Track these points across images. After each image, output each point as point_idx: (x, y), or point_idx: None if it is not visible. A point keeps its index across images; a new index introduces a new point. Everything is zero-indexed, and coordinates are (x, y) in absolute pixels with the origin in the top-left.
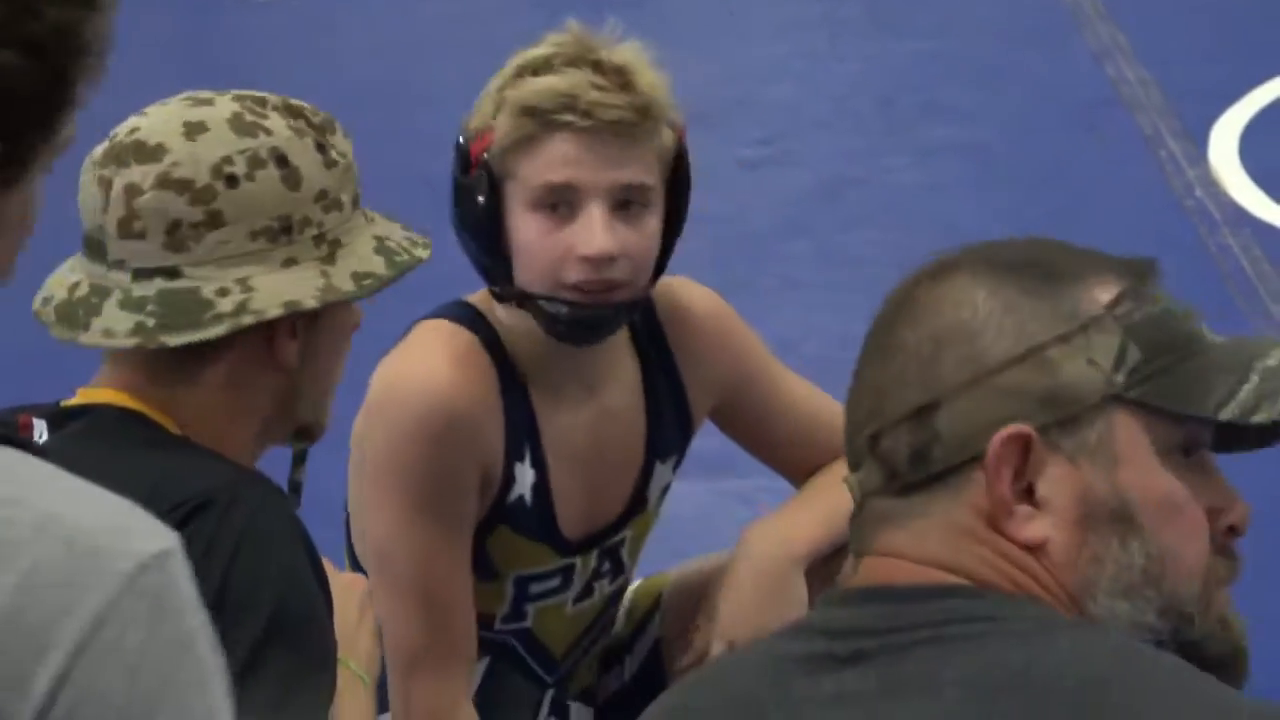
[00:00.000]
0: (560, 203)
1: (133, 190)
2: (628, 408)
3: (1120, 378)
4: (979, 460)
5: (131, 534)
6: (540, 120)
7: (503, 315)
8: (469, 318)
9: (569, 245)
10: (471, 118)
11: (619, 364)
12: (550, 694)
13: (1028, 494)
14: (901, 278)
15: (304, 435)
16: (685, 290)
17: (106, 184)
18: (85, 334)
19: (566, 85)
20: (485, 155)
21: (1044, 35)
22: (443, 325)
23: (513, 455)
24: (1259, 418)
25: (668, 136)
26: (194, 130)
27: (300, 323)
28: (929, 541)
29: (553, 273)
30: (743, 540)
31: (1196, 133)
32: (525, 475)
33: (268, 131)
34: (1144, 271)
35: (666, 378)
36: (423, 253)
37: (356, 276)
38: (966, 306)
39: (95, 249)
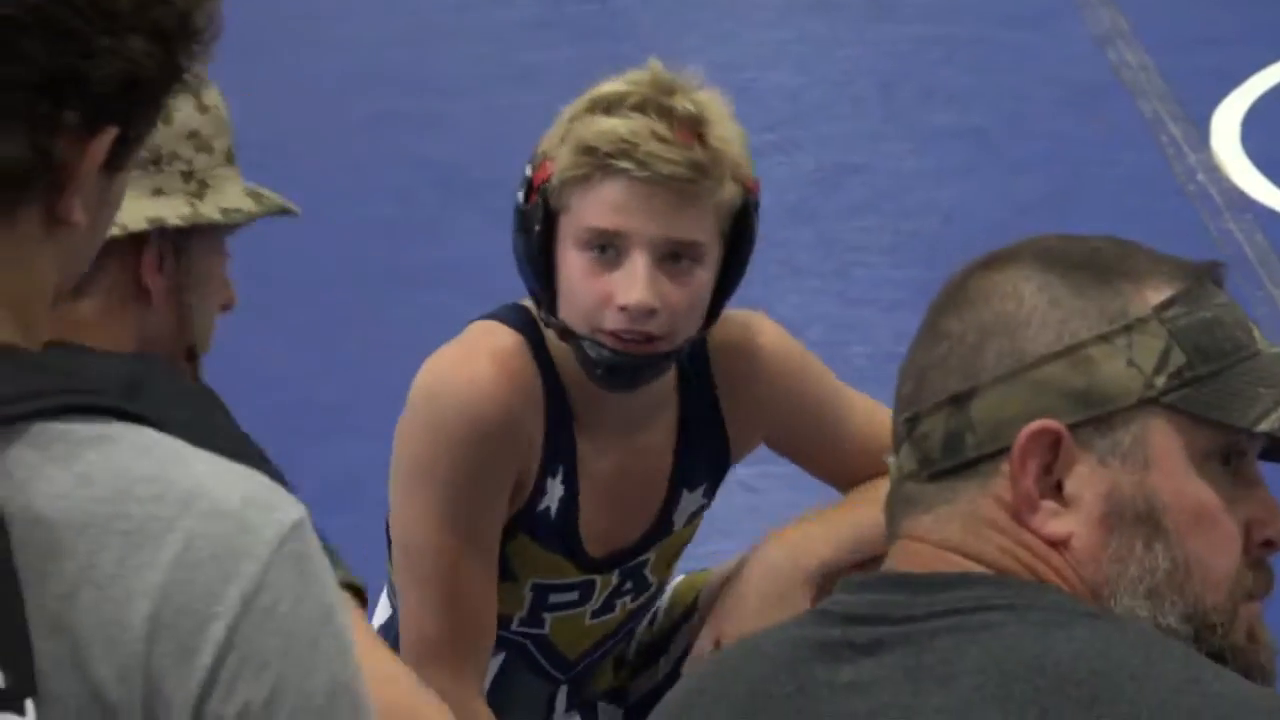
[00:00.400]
0: (607, 246)
1: None
2: (659, 442)
3: (1160, 381)
4: (1007, 452)
5: (272, 505)
6: (597, 161)
7: (553, 339)
8: (523, 323)
9: (610, 292)
10: (543, 140)
11: (662, 402)
12: (564, 690)
13: (1056, 490)
14: (961, 265)
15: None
16: (744, 327)
17: None
18: None
19: (628, 130)
20: (544, 185)
21: (1045, 19)
22: (495, 328)
23: (547, 467)
24: None
25: (732, 192)
26: None
27: (166, 258)
28: (950, 527)
29: (592, 315)
30: (758, 545)
31: (1198, 117)
32: (555, 490)
33: None
34: (1204, 275)
35: (706, 410)
36: (293, 207)
37: (225, 210)
38: (1013, 299)
39: None
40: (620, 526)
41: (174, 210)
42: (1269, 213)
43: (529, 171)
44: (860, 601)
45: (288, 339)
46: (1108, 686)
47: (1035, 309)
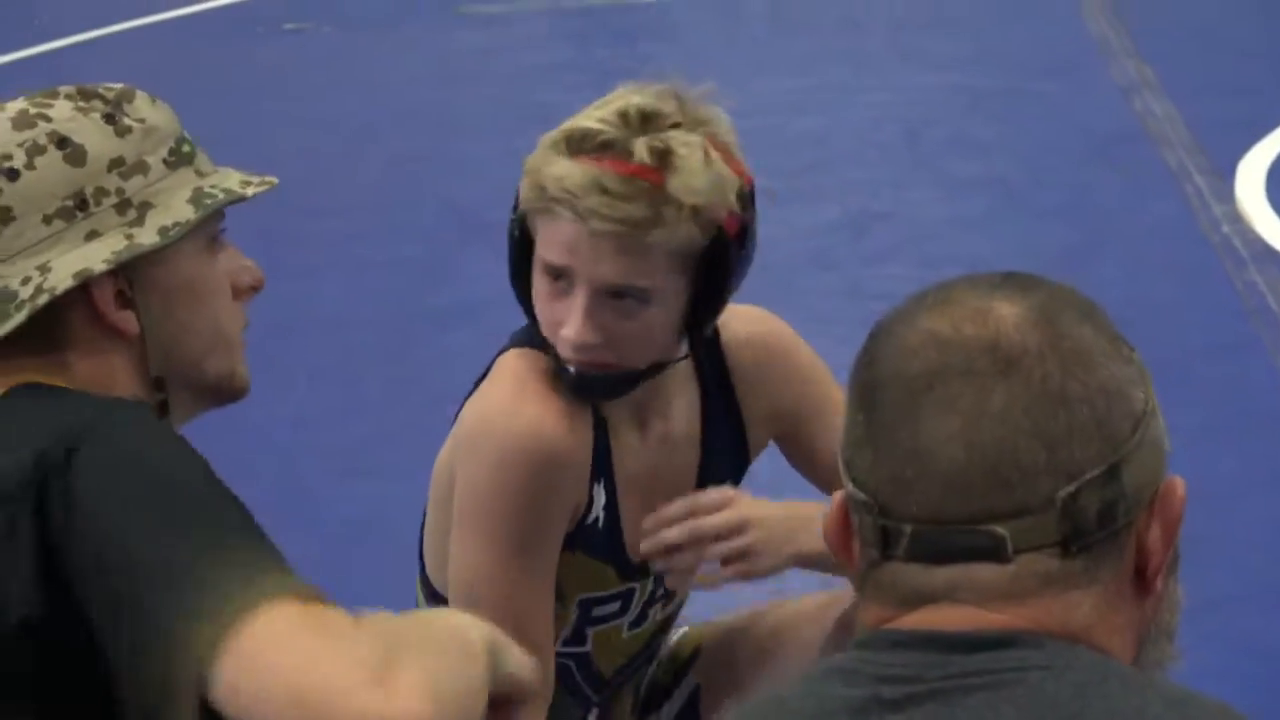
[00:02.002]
0: (560, 276)
1: None
2: (685, 436)
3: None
4: (1141, 516)
5: None
6: (545, 202)
7: None
8: (540, 340)
9: (561, 318)
10: (530, 157)
11: (680, 392)
12: (595, 713)
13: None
14: (1003, 320)
15: (214, 394)
16: (753, 322)
17: None
18: None
19: (574, 182)
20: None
21: (1071, 69)
22: (529, 355)
23: (594, 478)
24: None
25: (689, 235)
26: None
27: (129, 289)
28: (1083, 608)
29: (551, 335)
30: None
31: (1224, 168)
32: (600, 497)
33: (48, 119)
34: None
35: (725, 408)
36: (250, 190)
37: (163, 230)
38: (1103, 355)
39: None
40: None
41: (102, 253)
42: None
43: (518, 187)
44: (894, 661)
45: (310, 378)
46: None
47: (1121, 368)
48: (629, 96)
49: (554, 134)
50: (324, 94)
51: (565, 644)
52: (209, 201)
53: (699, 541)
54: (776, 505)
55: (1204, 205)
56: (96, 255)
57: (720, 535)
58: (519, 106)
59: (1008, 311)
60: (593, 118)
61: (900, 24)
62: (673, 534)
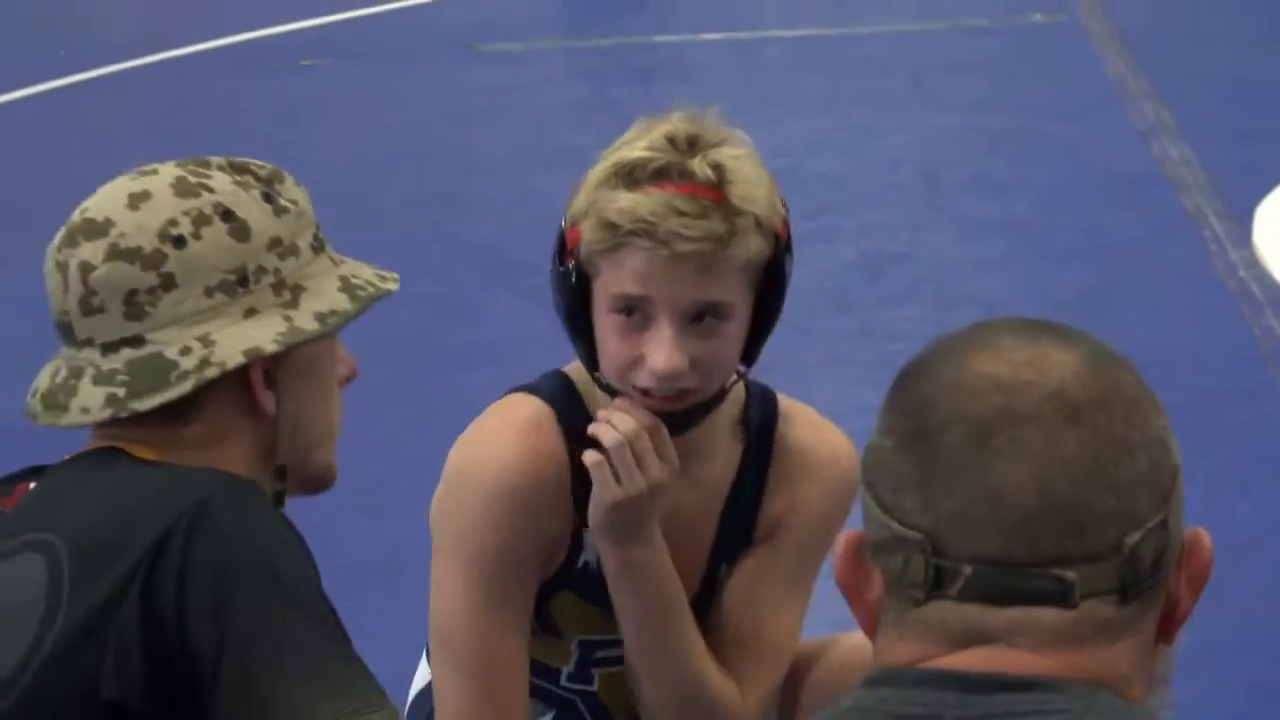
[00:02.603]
0: (635, 309)
1: (86, 268)
2: (717, 483)
3: None
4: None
5: None
6: (619, 237)
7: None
8: (553, 387)
9: (640, 353)
10: (573, 199)
11: (717, 442)
12: None
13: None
14: (1078, 367)
15: (309, 484)
16: (816, 428)
17: (63, 267)
18: (66, 415)
19: (648, 210)
20: (575, 250)
21: (1089, 112)
22: (519, 398)
23: (583, 522)
24: None
25: (758, 247)
26: (138, 200)
27: (275, 370)
28: (1125, 660)
29: (625, 374)
30: None
31: (1241, 213)
32: (593, 544)
33: (210, 189)
34: None
35: (753, 490)
36: (390, 285)
37: (320, 316)
38: (1154, 409)
39: (66, 332)
40: None
41: (268, 333)
42: None
43: (563, 232)
44: (914, 699)
45: None
46: None
47: (1163, 419)
48: (661, 126)
49: (599, 172)
50: (340, 131)
51: (570, 680)
52: (361, 293)
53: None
54: (654, 522)
55: (1221, 250)
56: (262, 334)
57: (639, 460)
58: (536, 145)
59: (1065, 359)
60: (637, 148)
61: (919, 66)
62: (626, 423)
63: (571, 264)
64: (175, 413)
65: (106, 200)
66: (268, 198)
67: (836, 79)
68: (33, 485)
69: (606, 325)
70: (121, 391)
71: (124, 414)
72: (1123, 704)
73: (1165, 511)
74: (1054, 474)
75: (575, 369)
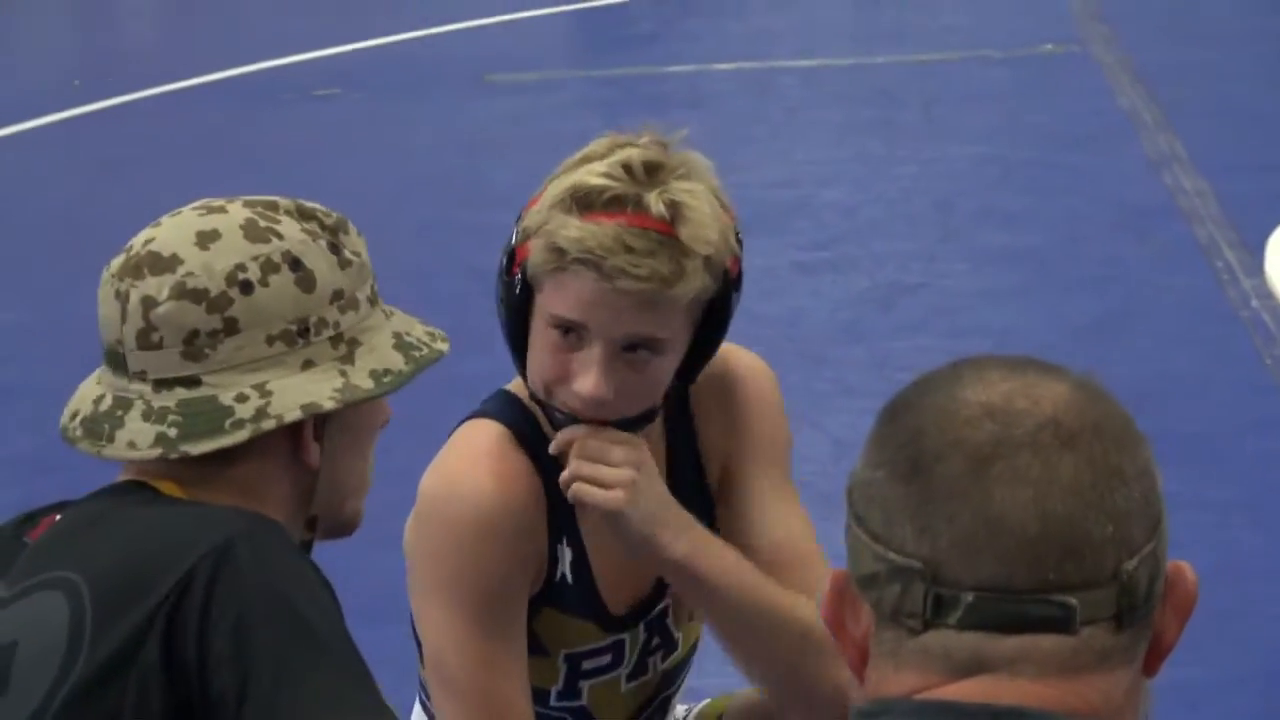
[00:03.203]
0: (570, 330)
1: (149, 302)
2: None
3: None
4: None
5: None
6: (564, 261)
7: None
8: (503, 408)
9: (569, 372)
10: (526, 213)
11: (649, 437)
12: None
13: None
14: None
15: (336, 531)
16: (725, 356)
17: (124, 297)
18: (110, 446)
19: (596, 242)
20: (523, 263)
21: (1102, 143)
22: (478, 425)
23: (554, 537)
24: None
25: (703, 285)
26: (207, 239)
27: (323, 422)
28: (1118, 692)
29: (552, 388)
30: None
31: (1253, 243)
32: (565, 554)
33: (280, 236)
34: None
35: (687, 443)
36: (442, 346)
37: (375, 374)
38: (1141, 439)
39: (116, 361)
40: (631, 575)
41: (325, 390)
42: None
43: (513, 241)
44: None
45: None
46: None
47: (1148, 449)
48: (622, 149)
49: (555, 192)
50: (352, 160)
51: (559, 698)
52: (416, 354)
53: (583, 454)
54: (667, 493)
55: (1234, 279)
56: (320, 390)
57: (603, 460)
58: (548, 175)
59: (1054, 390)
60: (595, 173)
61: (932, 96)
62: (568, 436)
63: (518, 276)
64: (220, 456)
65: (174, 234)
66: (334, 248)
67: (849, 109)
68: (58, 518)
69: (541, 339)
70: (173, 432)
71: (173, 455)
72: None
73: (1156, 541)
74: (1053, 500)
75: (518, 385)
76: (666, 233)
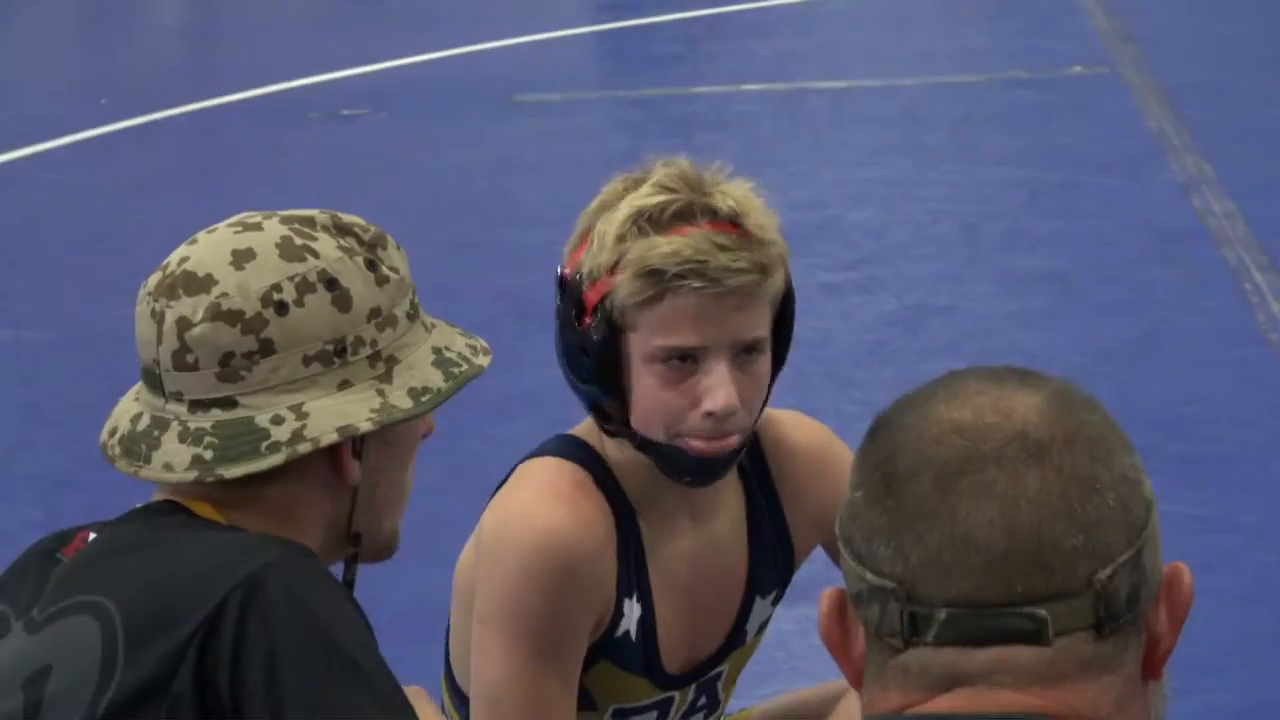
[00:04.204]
0: (685, 357)
1: (184, 323)
2: (731, 539)
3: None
4: (1153, 602)
5: None
6: (664, 283)
7: (612, 448)
8: (580, 454)
9: (692, 398)
10: (583, 255)
11: (725, 494)
12: None
13: None
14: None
15: (373, 553)
16: (791, 425)
17: (159, 317)
18: (146, 468)
19: (692, 250)
20: (601, 305)
21: (1130, 165)
22: (552, 464)
23: (623, 591)
24: None
25: (781, 279)
26: (242, 258)
27: (363, 441)
28: (1107, 698)
29: (674, 424)
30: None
31: None
32: (633, 610)
33: (315, 254)
34: None
35: (770, 512)
36: (483, 360)
37: (414, 393)
38: (1122, 446)
39: (153, 381)
40: (697, 636)
41: (362, 411)
42: None
43: (576, 286)
44: None
45: None
46: None
47: (1132, 456)
48: (656, 173)
49: (615, 227)
50: (380, 181)
51: None
52: (455, 371)
53: None
54: None
55: (1263, 302)
56: (357, 411)
57: None
58: (575, 195)
59: (1027, 402)
60: (648, 194)
61: (959, 118)
62: None
63: (595, 321)
64: (257, 477)
65: (209, 253)
66: (371, 265)
67: (876, 131)
68: (92, 537)
69: (646, 379)
70: (209, 455)
71: (209, 479)
72: None
73: (1139, 547)
74: (1020, 514)
75: (586, 431)
76: (740, 230)
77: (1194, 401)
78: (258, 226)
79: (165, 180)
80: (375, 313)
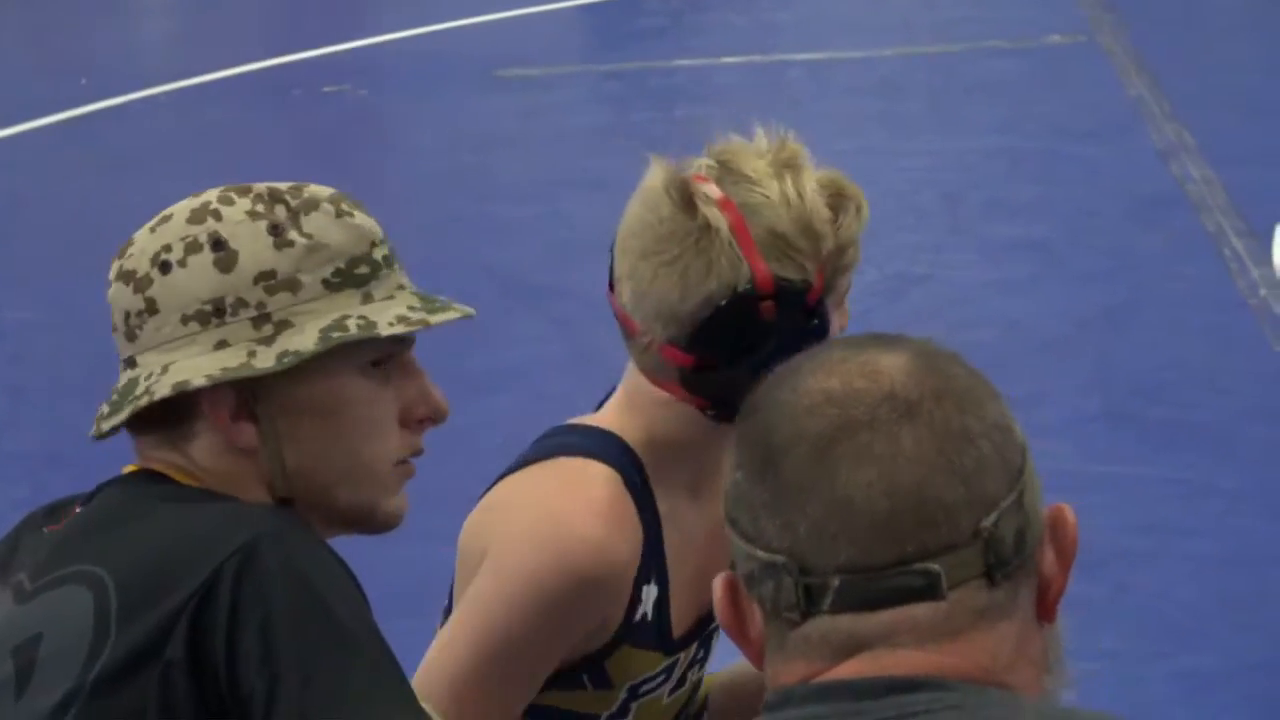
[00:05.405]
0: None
1: (107, 285)
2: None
3: None
4: (1038, 543)
5: None
6: (849, 258)
7: (650, 426)
8: (614, 454)
9: None
10: (771, 268)
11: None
12: None
13: None
14: (893, 363)
15: (357, 524)
16: None
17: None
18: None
19: (860, 227)
20: (821, 296)
21: (1110, 133)
22: (592, 469)
23: (641, 579)
24: None
25: None
26: (160, 222)
27: (252, 404)
28: (1005, 646)
29: None
30: None
31: (1262, 231)
32: (650, 593)
33: (218, 217)
34: None
35: None
36: (385, 329)
37: (281, 356)
38: (987, 393)
39: None
40: (704, 597)
41: (212, 366)
42: None
43: (803, 294)
44: (805, 715)
45: None
46: None
47: (1001, 404)
48: (757, 161)
49: (784, 228)
50: (362, 157)
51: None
52: (335, 335)
53: None
54: None
55: (1242, 269)
56: (207, 367)
57: None
58: (557, 170)
59: (892, 363)
60: (805, 189)
61: (938, 88)
62: None
63: (816, 318)
64: (175, 441)
65: (153, 219)
66: (276, 229)
67: (856, 102)
68: (79, 509)
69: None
70: (105, 410)
71: (98, 435)
72: (1012, 696)
73: (1019, 490)
74: (899, 473)
75: (612, 422)
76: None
77: (1174, 367)
78: (198, 195)
79: (147, 159)
80: (267, 275)
